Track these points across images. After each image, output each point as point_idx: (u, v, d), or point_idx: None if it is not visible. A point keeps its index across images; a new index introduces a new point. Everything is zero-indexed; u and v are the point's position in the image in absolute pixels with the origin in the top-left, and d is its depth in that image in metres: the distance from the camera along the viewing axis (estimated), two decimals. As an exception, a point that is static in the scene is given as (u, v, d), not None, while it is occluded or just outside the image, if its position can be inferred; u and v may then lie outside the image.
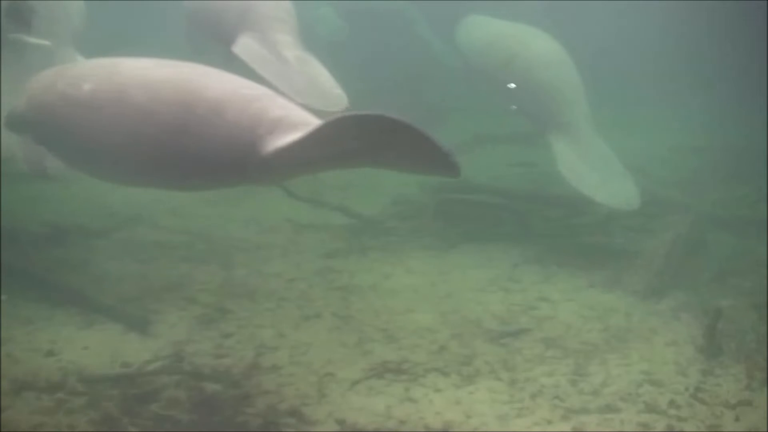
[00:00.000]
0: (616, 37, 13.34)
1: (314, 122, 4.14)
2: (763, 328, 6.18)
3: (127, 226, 7.88)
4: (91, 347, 5.55)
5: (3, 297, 6.06)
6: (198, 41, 7.61)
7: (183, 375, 5.21)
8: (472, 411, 5.02)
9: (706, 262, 7.46)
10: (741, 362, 5.70)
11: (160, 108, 4.19)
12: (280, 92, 5.43)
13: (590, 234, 8.10)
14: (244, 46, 6.11)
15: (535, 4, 11.63)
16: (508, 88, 8.35)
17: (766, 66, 11.84)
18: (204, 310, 6.23)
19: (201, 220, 8.27)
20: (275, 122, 4.10)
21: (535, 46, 8.25)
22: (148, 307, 6.15)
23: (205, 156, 4.15)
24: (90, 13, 7.59)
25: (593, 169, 7.57)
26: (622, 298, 6.81)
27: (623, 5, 13.33)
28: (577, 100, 7.91)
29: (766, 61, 11.88)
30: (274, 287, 6.74)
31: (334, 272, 7.14)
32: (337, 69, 6.25)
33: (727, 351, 5.83)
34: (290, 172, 4.53)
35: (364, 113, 3.80)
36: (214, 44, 6.90)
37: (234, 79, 4.45)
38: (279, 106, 4.26)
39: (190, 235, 7.82)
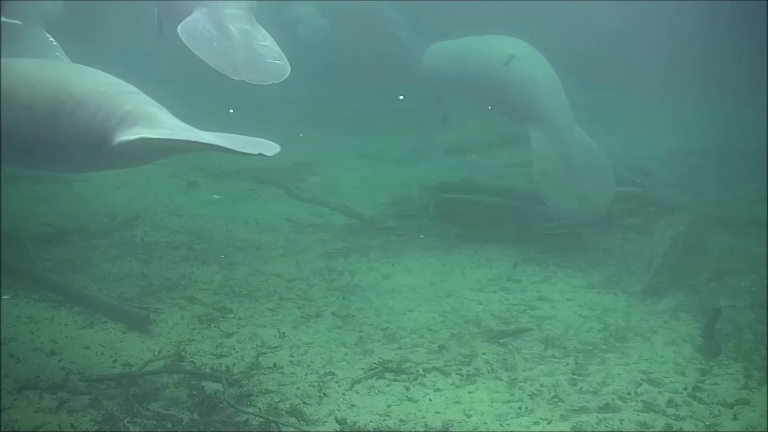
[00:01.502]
0: (617, 38, 13.35)
1: (158, 118, 4.74)
2: (762, 327, 6.20)
3: (127, 226, 7.90)
4: (93, 347, 5.57)
5: (5, 296, 6.08)
6: (167, 29, 7.59)
7: (184, 374, 5.24)
8: (472, 410, 5.04)
9: (705, 262, 7.46)
10: (739, 361, 5.71)
11: (38, 103, 4.83)
12: (218, 70, 5.69)
13: (590, 234, 8.11)
14: (186, 26, 6.14)
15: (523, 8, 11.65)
16: (480, 92, 8.43)
17: (766, 66, 11.85)
18: (204, 309, 6.25)
19: (201, 220, 8.29)
20: (123, 117, 4.73)
21: (497, 45, 8.30)
22: (149, 306, 6.17)
23: (72, 143, 4.82)
24: (72, 7, 7.55)
25: (570, 166, 7.59)
26: (621, 298, 6.83)
27: (624, 5, 13.35)
28: (551, 91, 7.91)
29: (766, 61, 11.89)
30: (274, 287, 6.76)
31: (334, 272, 7.15)
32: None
33: (725, 350, 5.84)
34: (144, 158, 5.14)
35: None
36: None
37: (101, 77, 5.04)
38: (130, 103, 4.82)
39: (190, 235, 7.84)
